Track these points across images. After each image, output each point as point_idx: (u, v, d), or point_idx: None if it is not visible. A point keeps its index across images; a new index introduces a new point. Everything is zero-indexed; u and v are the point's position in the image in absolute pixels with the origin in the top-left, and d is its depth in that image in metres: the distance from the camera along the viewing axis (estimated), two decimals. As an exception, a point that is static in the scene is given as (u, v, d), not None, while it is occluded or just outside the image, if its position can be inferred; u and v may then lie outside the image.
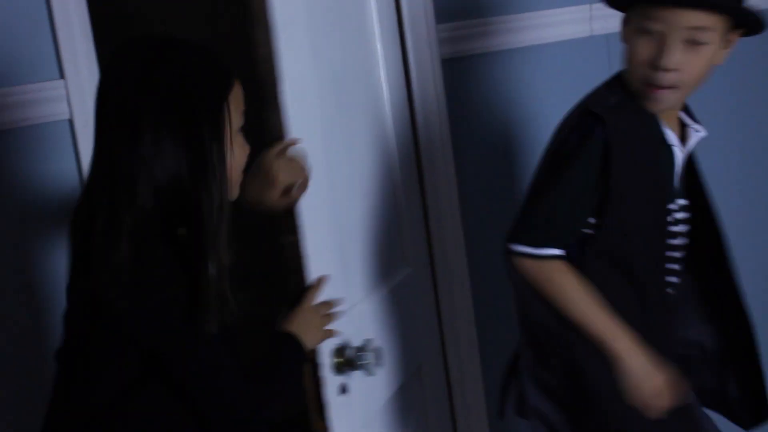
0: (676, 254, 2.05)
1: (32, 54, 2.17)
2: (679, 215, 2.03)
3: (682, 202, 2.03)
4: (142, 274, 1.50)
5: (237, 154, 1.61)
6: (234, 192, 1.63)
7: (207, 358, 1.55)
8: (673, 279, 2.09)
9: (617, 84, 1.95)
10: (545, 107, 2.59)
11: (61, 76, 2.19)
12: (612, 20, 2.53)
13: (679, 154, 1.99)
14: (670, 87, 1.85)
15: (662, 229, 1.98)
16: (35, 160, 2.20)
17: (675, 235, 2.04)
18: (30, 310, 2.21)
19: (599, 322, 1.91)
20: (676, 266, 2.07)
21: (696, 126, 2.00)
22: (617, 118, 1.88)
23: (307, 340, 1.74)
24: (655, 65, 1.82)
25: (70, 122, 2.21)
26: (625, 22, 1.89)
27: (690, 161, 2.05)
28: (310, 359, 1.80)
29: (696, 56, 1.83)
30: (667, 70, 1.82)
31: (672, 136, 1.96)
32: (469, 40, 2.52)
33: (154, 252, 1.52)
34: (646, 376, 1.92)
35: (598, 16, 2.65)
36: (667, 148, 1.96)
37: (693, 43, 1.82)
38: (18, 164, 2.20)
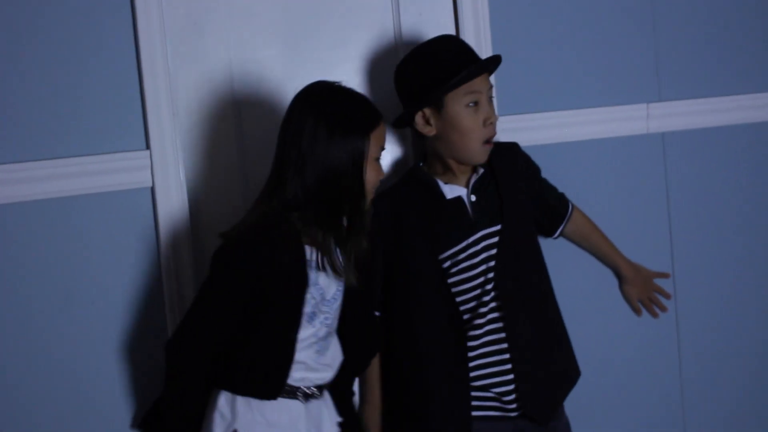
0: (474, 293, 2.28)
1: (121, 124, 2.31)
2: (478, 247, 2.28)
3: (483, 232, 2.30)
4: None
5: (369, 174, 2.07)
6: (366, 199, 2.09)
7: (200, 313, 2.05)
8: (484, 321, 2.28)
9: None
10: (597, 202, 2.64)
11: (147, 146, 2.32)
12: (670, 120, 2.70)
13: (468, 198, 2.31)
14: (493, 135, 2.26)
15: (439, 278, 2.27)
16: (116, 226, 2.31)
17: (463, 272, 2.29)
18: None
19: (367, 375, 2.38)
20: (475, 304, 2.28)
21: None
22: (383, 201, 2.29)
23: None
24: (486, 123, 2.24)
25: (152, 190, 2.32)
26: (431, 114, 2.26)
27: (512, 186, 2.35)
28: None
29: (493, 108, 2.28)
30: (493, 121, 2.24)
31: (455, 189, 2.31)
32: (527, 132, 2.57)
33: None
34: None
35: (656, 115, 2.70)
36: (448, 203, 2.30)
37: (490, 100, 2.27)
38: (99, 227, 2.31)
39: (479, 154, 2.28)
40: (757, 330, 2.82)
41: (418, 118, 2.28)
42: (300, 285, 2.07)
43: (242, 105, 2.24)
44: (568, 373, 2.43)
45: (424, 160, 2.40)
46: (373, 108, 2.12)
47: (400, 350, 2.36)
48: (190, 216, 2.38)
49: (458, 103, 2.24)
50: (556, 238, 2.57)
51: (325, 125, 2.04)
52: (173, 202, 2.34)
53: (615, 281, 2.67)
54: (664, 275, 2.69)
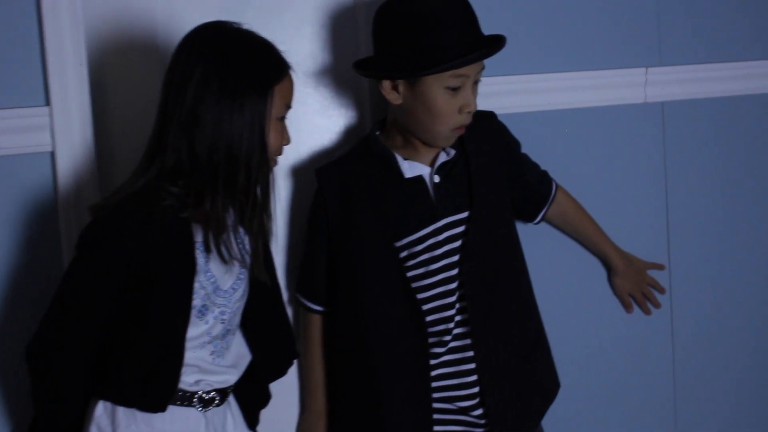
0: (436, 291, 2.06)
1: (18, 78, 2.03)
2: (440, 237, 2.07)
3: (447, 220, 2.06)
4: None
5: (272, 138, 1.80)
6: (269, 167, 1.84)
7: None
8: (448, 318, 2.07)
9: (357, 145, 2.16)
10: (585, 182, 2.43)
11: (47, 102, 2.03)
12: (671, 87, 2.52)
13: (431, 179, 2.08)
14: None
15: (396, 271, 2.06)
16: (8, 198, 2.04)
17: (426, 264, 2.06)
18: None
19: (308, 378, 2.22)
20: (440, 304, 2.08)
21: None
22: (330, 173, 2.11)
23: None
24: (463, 111, 1.99)
25: (52, 155, 2.05)
26: (403, 83, 1.99)
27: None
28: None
29: (476, 93, 2.05)
30: (471, 110, 2.01)
31: (416, 167, 2.07)
32: (505, 97, 2.35)
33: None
34: None
35: (655, 81, 2.50)
36: (406, 182, 2.07)
37: (475, 83, 2.03)
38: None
39: (446, 139, 2.06)
40: (759, 328, 2.69)
41: (386, 83, 2.02)
42: (185, 272, 1.80)
43: (168, 55, 1.91)
44: (546, 387, 2.22)
45: (383, 128, 2.13)
46: (279, 56, 1.83)
47: (350, 353, 2.13)
48: (99, 188, 2.09)
49: (437, 83, 1.97)
50: (537, 223, 2.33)
51: (218, 76, 1.75)
52: (79, 169, 2.05)
53: (604, 273, 2.48)
54: (659, 267, 2.50)
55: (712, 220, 2.58)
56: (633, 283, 2.45)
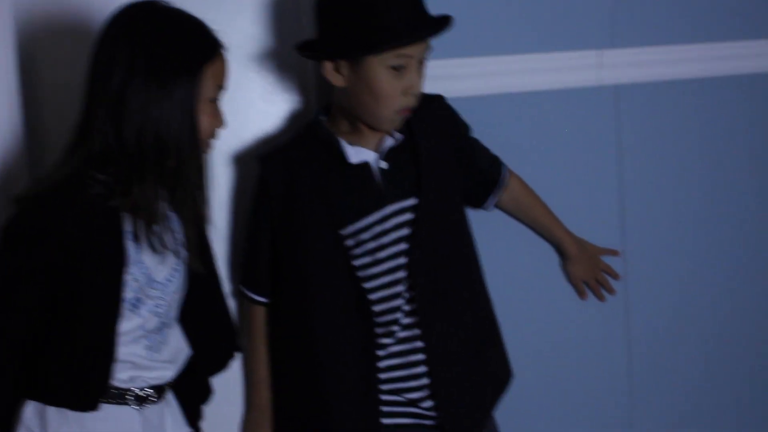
0: (384, 281, 2.02)
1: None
2: (387, 225, 2.01)
3: (394, 207, 2.01)
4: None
5: (204, 120, 1.74)
6: (200, 152, 1.77)
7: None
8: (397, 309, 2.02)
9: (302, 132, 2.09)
10: (537, 167, 2.39)
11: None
12: (624, 70, 2.47)
13: (377, 164, 2.02)
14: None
15: (341, 260, 2.01)
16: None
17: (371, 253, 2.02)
18: None
19: (252, 372, 2.14)
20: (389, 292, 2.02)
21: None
22: (274, 160, 2.05)
23: None
24: (408, 93, 1.94)
25: None
26: (345, 64, 1.94)
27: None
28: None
29: (422, 74, 1.99)
30: (416, 93, 1.96)
31: (362, 152, 2.01)
32: (454, 81, 2.30)
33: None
34: None
35: (609, 64, 2.46)
36: (352, 168, 2.01)
37: (420, 64, 1.97)
38: None
39: (390, 122, 2.00)
40: (715, 313, 2.65)
41: (328, 64, 1.96)
42: (115, 264, 1.73)
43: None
44: (498, 377, 2.18)
45: (328, 113, 2.07)
46: (210, 35, 1.76)
47: (295, 345, 2.07)
48: (30, 177, 2.02)
49: (380, 63, 1.92)
50: (488, 210, 2.27)
51: (144, 57, 1.68)
52: (7, 158, 1.99)
53: (557, 259, 2.43)
54: (613, 252, 2.45)
55: (667, 205, 2.54)
56: (587, 270, 2.40)
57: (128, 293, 1.75)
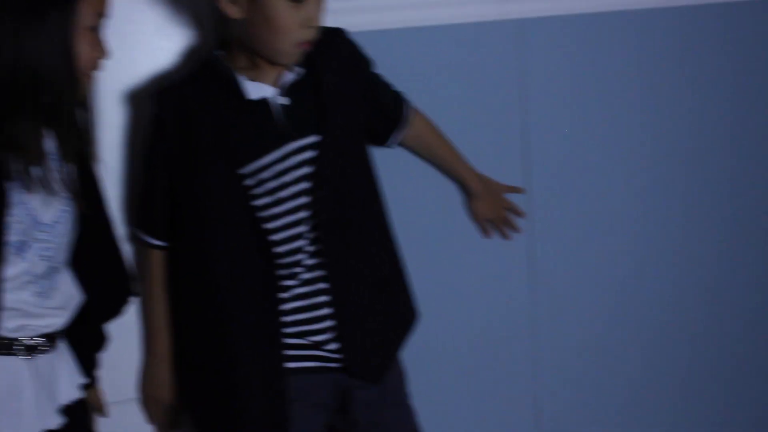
0: (286, 221, 1.97)
1: None
2: (288, 163, 1.96)
3: (295, 144, 1.96)
4: None
5: (83, 50, 1.67)
6: (79, 84, 1.69)
7: None
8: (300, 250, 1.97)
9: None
10: (440, 103, 2.34)
11: None
12: (529, 3, 2.43)
13: (277, 100, 1.96)
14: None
15: (241, 200, 1.96)
16: None
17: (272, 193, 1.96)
18: None
19: (150, 319, 2.08)
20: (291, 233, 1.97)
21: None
22: (169, 97, 1.97)
23: None
24: (306, 25, 1.89)
25: None
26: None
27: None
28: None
29: (322, 7, 1.94)
30: (315, 25, 1.91)
31: (261, 88, 1.95)
32: (354, 15, 2.24)
33: None
34: (143, 384, 2.12)
35: None
36: (251, 105, 1.95)
37: None
38: None
39: (289, 56, 1.94)
40: (621, 254, 2.64)
41: None
42: None
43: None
44: (403, 318, 2.15)
45: (225, 47, 2.00)
46: None
47: (194, 290, 2.01)
48: None
49: None
50: (391, 147, 2.23)
51: None
52: None
53: (461, 197, 2.40)
54: (518, 190, 2.44)
55: (572, 141, 2.52)
56: (491, 208, 2.38)
57: (12, 236, 1.67)
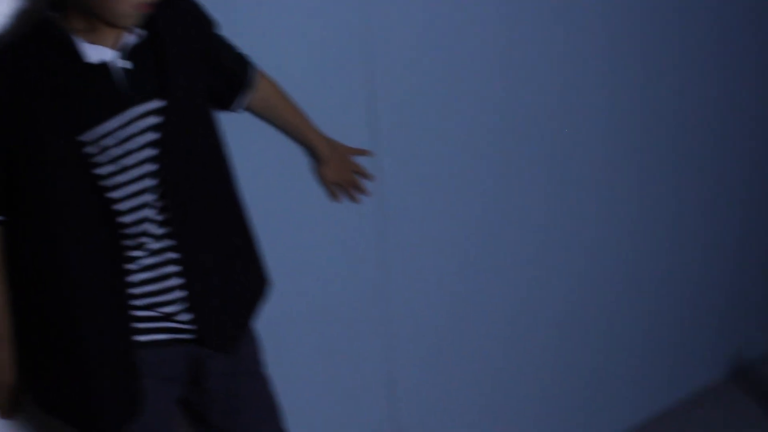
0: (132, 189, 1.89)
1: None
2: (132, 129, 1.87)
3: (139, 110, 1.87)
4: None
5: None
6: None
7: None
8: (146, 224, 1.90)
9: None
10: (287, 65, 2.29)
11: None
12: None
13: (118, 64, 1.87)
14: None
15: (82, 169, 1.85)
16: None
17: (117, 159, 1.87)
18: None
19: None
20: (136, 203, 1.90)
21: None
22: (1, 61, 1.83)
23: None
24: None
25: None
26: None
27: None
28: None
29: None
30: None
31: (100, 51, 1.86)
32: None
33: None
34: None
35: None
36: (89, 68, 1.85)
37: None
38: None
39: (128, 18, 1.82)
40: (471, 212, 2.67)
41: None
42: None
43: None
44: (256, 286, 2.09)
45: (60, 9, 1.87)
46: None
47: (38, 265, 1.89)
48: None
49: None
50: (237, 111, 2.17)
51: None
52: None
53: (309, 162, 2.35)
54: (365, 153, 2.41)
55: (419, 99, 2.50)
56: (340, 172, 2.35)
57: None
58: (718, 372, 3.58)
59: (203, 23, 2.01)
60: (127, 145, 1.84)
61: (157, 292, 1.90)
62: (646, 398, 3.31)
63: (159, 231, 1.88)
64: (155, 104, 1.85)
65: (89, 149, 1.83)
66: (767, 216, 3.60)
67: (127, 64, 1.85)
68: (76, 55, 1.82)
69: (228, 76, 2.08)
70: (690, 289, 3.34)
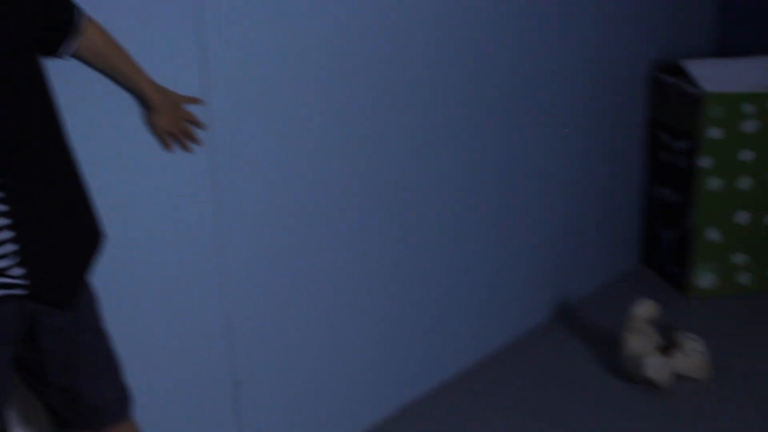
0: None
1: None
2: None
3: None
4: None
5: None
6: None
7: None
8: None
9: None
10: (112, 9, 2.19)
11: None
12: None
13: None
14: None
15: None
16: None
17: None
18: None
19: None
20: None
21: None
22: None
23: None
24: None
25: None
26: None
27: None
28: None
29: None
30: None
31: None
32: None
33: None
34: None
35: None
36: None
37: None
38: None
39: None
40: (306, 160, 2.66)
41: None
42: None
43: None
44: (90, 239, 2.02)
45: None
46: None
47: None
48: None
49: None
50: (64, 58, 2.07)
51: None
52: None
53: (140, 111, 2.27)
54: (196, 101, 2.36)
55: (250, 49, 2.45)
56: (171, 120, 2.29)
57: None
58: (546, 314, 3.74)
59: None
60: None
61: None
62: (482, 339, 3.41)
63: None
64: None
65: None
66: (588, 174, 3.75)
67: None
68: None
69: (53, 20, 1.98)
70: (522, 241, 3.45)
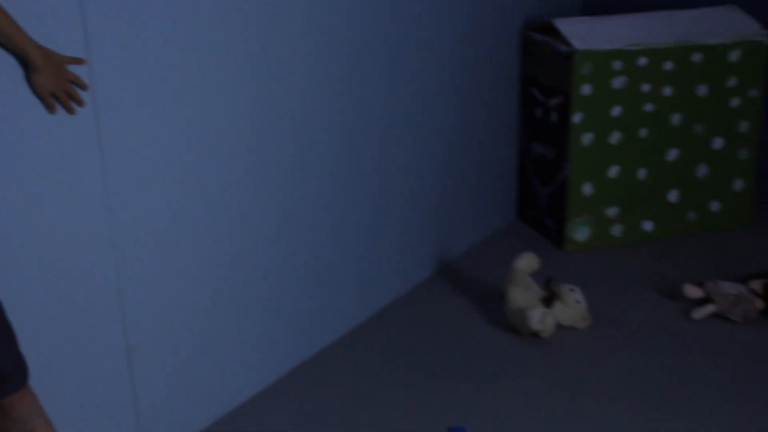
0: None
1: None
2: None
3: None
4: None
5: None
6: None
7: None
8: None
9: None
10: None
11: None
12: None
13: None
14: None
15: None
16: None
17: None
18: None
19: None
20: None
21: None
22: None
23: None
24: None
25: None
26: None
27: None
28: None
29: None
30: None
31: None
32: None
33: None
34: None
35: None
36: None
37: None
38: None
39: None
40: (191, 120, 2.62)
41: None
42: None
43: None
44: None
45: None
46: None
47: None
48: None
49: None
50: None
51: None
52: None
53: (21, 72, 2.19)
54: (79, 61, 2.28)
55: (131, 6, 2.38)
56: (54, 81, 2.21)
57: None
58: (428, 271, 3.78)
59: None
60: None
61: None
62: (366, 299, 3.43)
63: None
64: None
65: None
66: (464, 132, 3.80)
67: None
68: None
69: None
70: (400, 200, 3.48)
